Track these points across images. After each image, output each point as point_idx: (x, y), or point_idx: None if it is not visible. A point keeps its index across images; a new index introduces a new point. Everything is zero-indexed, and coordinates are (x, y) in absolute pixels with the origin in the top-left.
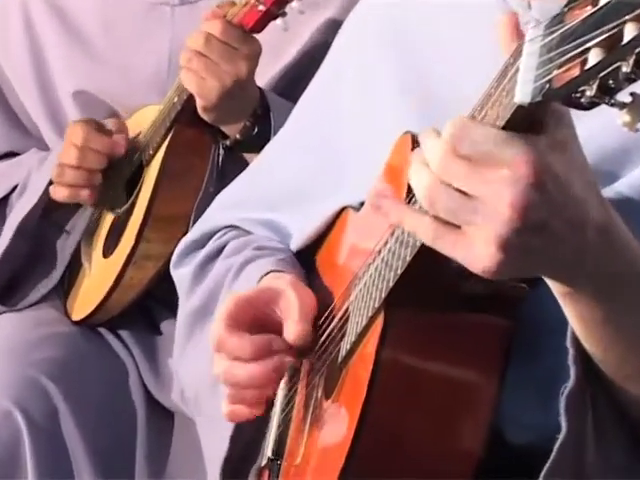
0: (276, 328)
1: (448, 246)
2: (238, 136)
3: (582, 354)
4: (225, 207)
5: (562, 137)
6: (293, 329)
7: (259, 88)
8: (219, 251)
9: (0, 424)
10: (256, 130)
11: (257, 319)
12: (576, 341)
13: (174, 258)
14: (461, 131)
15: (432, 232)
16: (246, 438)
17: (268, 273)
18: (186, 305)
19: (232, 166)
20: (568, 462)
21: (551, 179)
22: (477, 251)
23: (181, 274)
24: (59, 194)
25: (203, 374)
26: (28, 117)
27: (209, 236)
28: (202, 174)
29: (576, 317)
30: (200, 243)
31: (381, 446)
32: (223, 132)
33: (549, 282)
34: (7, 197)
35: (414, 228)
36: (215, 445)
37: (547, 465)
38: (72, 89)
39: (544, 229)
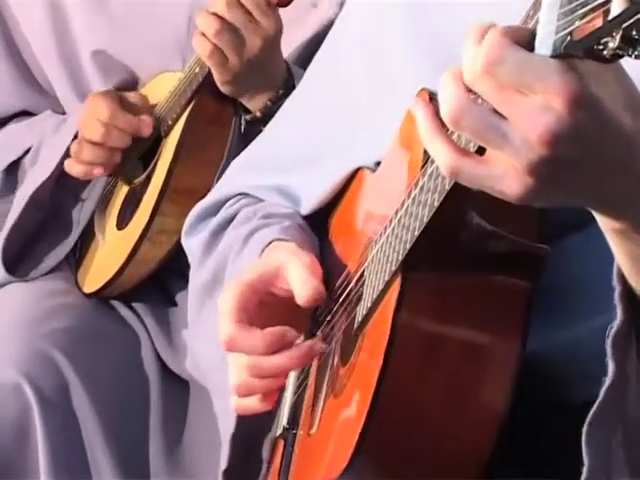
0: (286, 304)
1: (471, 176)
2: (258, 114)
3: (628, 293)
4: (238, 173)
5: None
6: (303, 290)
7: (287, 63)
8: (230, 220)
9: (9, 398)
10: (277, 108)
11: (265, 303)
12: (622, 279)
13: (186, 226)
14: (497, 51)
15: (453, 162)
16: None
17: (270, 243)
18: (197, 277)
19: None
20: (615, 406)
21: (589, 114)
22: (505, 176)
23: (192, 243)
24: (74, 170)
25: (212, 347)
26: (44, 77)
27: (222, 203)
28: (222, 147)
29: (624, 253)
30: (212, 210)
31: (399, 414)
32: (245, 106)
33: (595, 215)
34: (19, 160)
35: (436, 153)
36: (227, 418)
37: (593, 409)
38: (91, 48)
39: (575, 165)
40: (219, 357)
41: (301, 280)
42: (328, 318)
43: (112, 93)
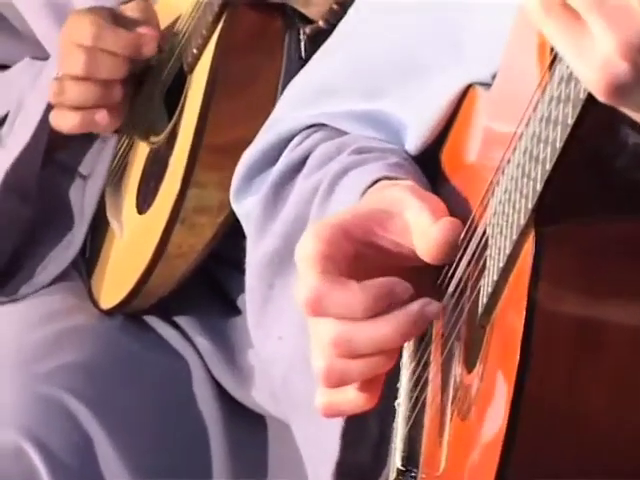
0: (393, 262)
1: (557, 31)
2: (321, 23)
3: None
4: (301, 100)
5: None
6: (431, 241)
7: None
8: (300, 164)
9: (9, 467)
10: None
11: (361, 257)
12: None
13: (234, 185)
14: None
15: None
16: (365, 435)
17: (375, 183)
18: (258, 250)
19: None
20: None
21: None
22: (592, 50)
23: (247, 206)
24: (64, 122)
25: (292, 345)
26: (16, 14)
27: (282, 145)
28: (274, 78)
29: None
30: (270, 158)
31: (549, 439)
32: (302, 14)
33: None
34: None
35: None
36: (320, 449)
37: None
38: None
39: None
40: (302, 357)
41: (429, 227)
42: (451, 289)
43: (98, 8)
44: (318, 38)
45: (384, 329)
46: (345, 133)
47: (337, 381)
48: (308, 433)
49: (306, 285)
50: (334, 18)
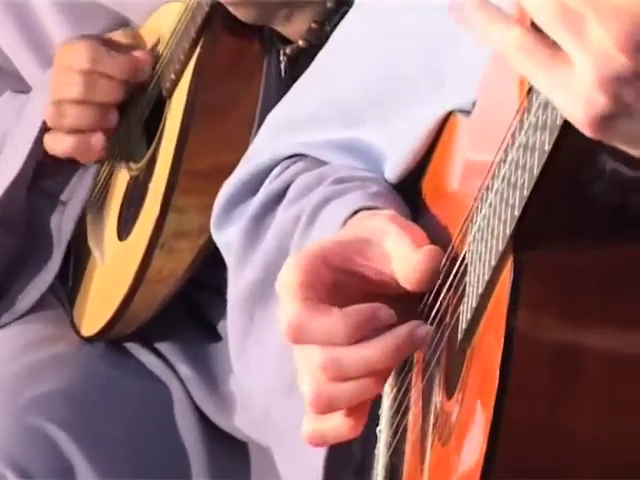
0: (372, 290)
1: (536, 68)
2: (301, 43)
3: None
4: (281, 130)
5: None
6: (412, 269)
7: None
8: (280, 195)
9: None
10: (328, 30)
11: (340, 285)
12: None
13: (215, 215)
14: None
15: (522, 41)
16: (347, 462)
17: (356, 213)
18: (239, 282)
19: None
20: None
21: None
22: (572, 86)
23: (227, 237)
24: (59, 145)
25: (274, 375)
26: None
27: (262, 176)
28: (252, 102)
29: None
30: (250, 188)
31: (529, 455)
32: (281, 34)
33: None
34: None
35: (500, 38)
36: (302, 476)
37: None
38: None
39: None
40: (284, 388)
41: (409, 255)
42: (432, 316)
43: (90, 36)
44: (298, 58)
45: (372, 351)
46: (325, 163)
47: (326, 406)
48: (290, 460)
49: (287, 314)
50: (314, 37)
